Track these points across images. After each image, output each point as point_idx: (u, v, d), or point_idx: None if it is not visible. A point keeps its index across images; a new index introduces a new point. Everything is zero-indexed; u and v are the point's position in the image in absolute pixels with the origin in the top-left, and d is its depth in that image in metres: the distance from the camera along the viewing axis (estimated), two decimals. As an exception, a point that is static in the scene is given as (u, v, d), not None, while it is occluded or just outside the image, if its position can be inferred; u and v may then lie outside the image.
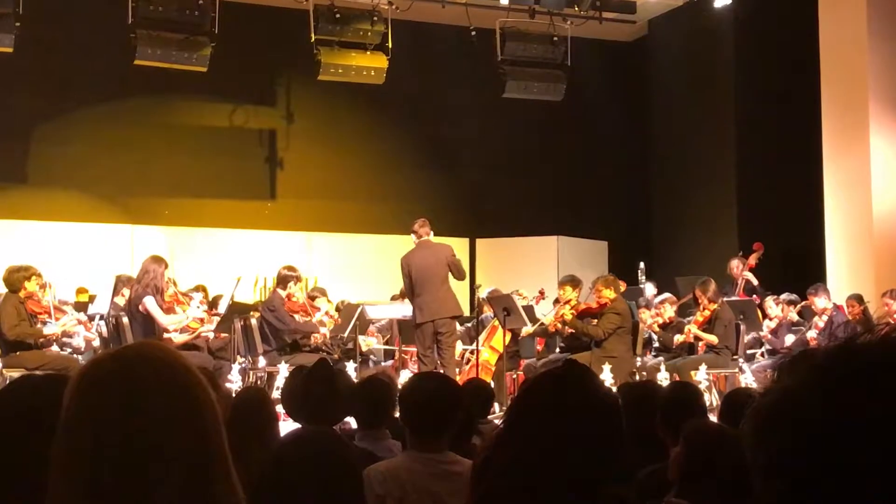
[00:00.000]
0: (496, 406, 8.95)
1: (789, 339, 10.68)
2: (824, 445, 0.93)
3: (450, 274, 9.64)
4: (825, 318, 10.50)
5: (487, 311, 10.91)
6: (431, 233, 9.80)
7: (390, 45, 12.89)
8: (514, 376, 10.70)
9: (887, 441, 0.90)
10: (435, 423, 3.53)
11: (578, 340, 10.35)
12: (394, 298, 12.10)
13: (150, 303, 8.87)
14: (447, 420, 3.60)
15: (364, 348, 10.76)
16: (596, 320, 10.08)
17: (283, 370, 8.69)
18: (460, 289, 10.73)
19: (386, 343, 11.81)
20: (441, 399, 3.58)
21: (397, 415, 3.92)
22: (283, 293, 10.05)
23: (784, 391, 0.98)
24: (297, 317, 9.99)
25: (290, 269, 10.24)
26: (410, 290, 9.72)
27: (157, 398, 1.41)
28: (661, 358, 10.35)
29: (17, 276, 8.96)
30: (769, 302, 11.10)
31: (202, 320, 9.53)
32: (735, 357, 10.25)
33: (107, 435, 1.38)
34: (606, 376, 8.78)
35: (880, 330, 0.97)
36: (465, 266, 10.66)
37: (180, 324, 9.15)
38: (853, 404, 0.92)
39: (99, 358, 1.50)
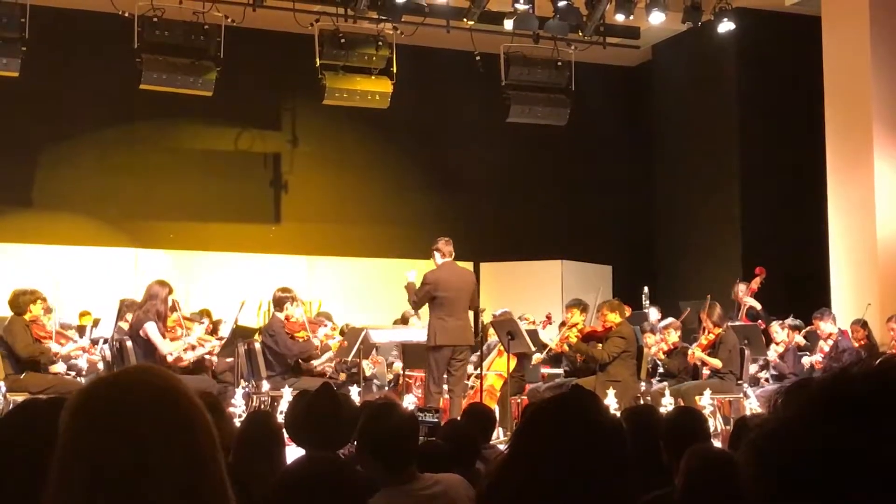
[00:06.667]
0: (500, 431, 8.94)
1: (806, 361, 10.66)
2: (817, 476, 0.93)
3: None
4: (830, 342, 10.47)
5: (493, 336, 10.89)
6: (454, 252, 9.76)
7: (395, 70, 12.95)
8: (519, 401, 10.68)
9: (877, 471, 0.91)
10: (408, 452, 3.50)
11: (584, 365, 10.34)
12: (397, 322, 12.09)
13: (150, 329, 8.88)
14: (416, 445, 3.58)
15: (367, 371, 10.74)
16: (601, 344, 10.07)
17: (287, 394, 8.67)
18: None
19: (389, 367, 11.79)
20: (409, 427, 3.56)
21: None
22: (281, 316, 10.05)
23: (778, 422, 0.99)
24: (299, 338, 9.98)
25: (285, 290, 10.24)
26: (426, 306, 9.59)
27: (153, 424, 1.40)
28: (665, 383, 10.33)
29: (24, 300, 8.99)
30: (775, 327, 11.07)
31: (202, 340, 9.55)
32: (740, 382, 10.23)
33: (104, 461, 1.37)
34: (611, 401, 8.76)
35: (875, 359, 0.98)
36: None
37: (179, 350, 9.15)
38: (844, 435, 0.93)
39: (94, 383, 1.49)
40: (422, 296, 9.53)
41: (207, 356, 9.79)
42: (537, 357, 10.90)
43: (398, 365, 11.36)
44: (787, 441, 0.96)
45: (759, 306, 12.17)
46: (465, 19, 12.90)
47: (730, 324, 10.68)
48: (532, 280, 14.68)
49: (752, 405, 9.89)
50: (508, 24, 12.95)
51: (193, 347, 9.45)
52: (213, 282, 13.66)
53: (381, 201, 15.25)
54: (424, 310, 10.16)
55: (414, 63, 13.59)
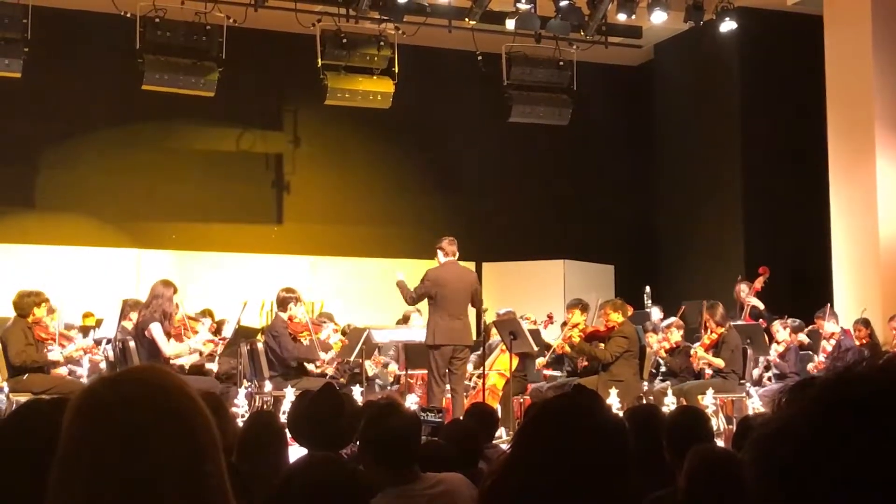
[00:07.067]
0: (503, 430, 8.93)
1: (811, 366, 10.63)
2: (819, 476, 0.93)
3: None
4: (833, 342, 10.47)
5: (495, 336, 10.89)
6: (457, 252, 9.76)
7: (397, 70, 12.95)
8: (521, 400, 10.68)
9: (880, 471, 0.90)
10: (410, 452, 3.50)
11: (584, 370, 10.33)
12: (399, 323, 12.08)
13: (155, 329, 8.88)
14: (418, 445, 3.58)
15: (370, 372, 10.74)
16: (603, 344, 10.07)
17: (290, 395, 8.66)
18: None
19: (385, 367, 11.78)
20: (411, 427, 3.55)
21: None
22: (284, 316, 10.04)
23: (781, 421, 0.99)
24: (302, 338, 9.97)
25: (288, 290, 10.22)
26: (420, 302, 9.61)
27: (154, 425, 1.40)
28: (667, 382, 10.32)
29: (28, 301, 8.99)
30: (777, 326, 11.07)
31: (201, 353, 9.58)
32: (742, 381, 10.22)
33: (105, 461, 1.37)
34: (613, 401, 8.75)
35: (879, 359, 0.98)
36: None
37: (181, 355, 9.17)
38: (847, 435, 0.92)
39: (96, 383, 1.49)
40: (420, 292, 9.57)
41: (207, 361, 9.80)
42: (540, 362, 10.90)
43: (393, 366, 11.36)
44: (790, 441, 0.96)
45: (761, 306, 12.17)
46: (466, 19, 12.89)
47: (732, 323, 10.67)
48: (534, 280, 14.68)
49: (755, 404, 9.89)
50: (510, 24, 12.94)
51: (202, 354, 9.48)
52: (214, 282, 13.66)
53: (383, 201, 15.25)
54: (425, 305, 10.17)
55: (416, 63, 13.59)
